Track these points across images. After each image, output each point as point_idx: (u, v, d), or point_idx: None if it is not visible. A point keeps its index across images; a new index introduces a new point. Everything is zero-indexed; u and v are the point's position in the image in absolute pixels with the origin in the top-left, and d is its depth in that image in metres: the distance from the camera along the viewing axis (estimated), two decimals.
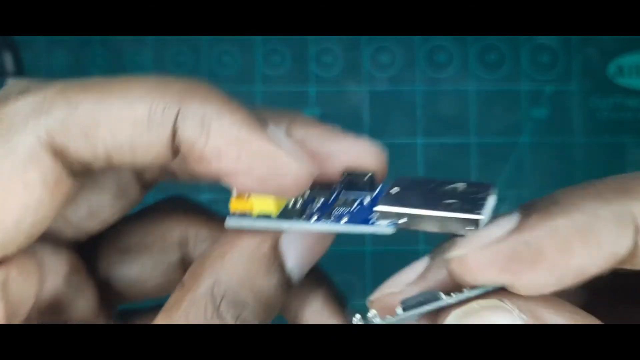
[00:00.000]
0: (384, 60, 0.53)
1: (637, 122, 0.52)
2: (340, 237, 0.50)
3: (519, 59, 0.52)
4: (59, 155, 0.17)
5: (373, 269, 0.51)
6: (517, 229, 0.14)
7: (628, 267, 0.14)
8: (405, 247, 0.51)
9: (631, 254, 0.14)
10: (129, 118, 0.16)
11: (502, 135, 0.52)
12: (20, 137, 0.16)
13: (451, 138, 0.52)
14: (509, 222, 0.14)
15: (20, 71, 0.51)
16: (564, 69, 0.53)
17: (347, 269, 0.51)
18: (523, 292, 0.14)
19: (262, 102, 0.52)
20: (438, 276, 0.16)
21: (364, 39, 0.53)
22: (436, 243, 0.49)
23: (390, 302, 0.16)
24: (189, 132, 0.16)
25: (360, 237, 0.51)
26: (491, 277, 0.14)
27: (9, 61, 0.50)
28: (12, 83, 0.18)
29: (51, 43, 0.52)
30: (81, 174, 0.17)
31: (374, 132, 0.52)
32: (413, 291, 0.16)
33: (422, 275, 0.16)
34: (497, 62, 0.52)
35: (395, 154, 0.52)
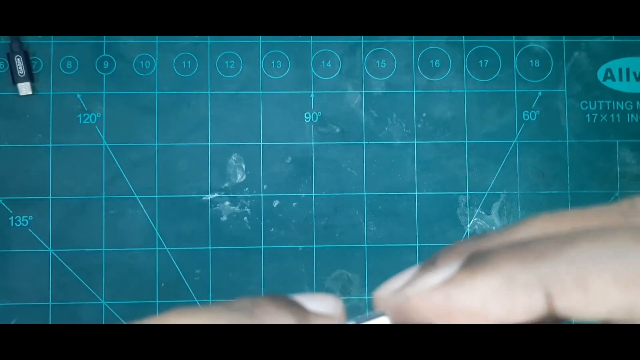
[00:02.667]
0: (381, 65, 0.53)
1: (625, 123, 0.53)
2: (340, 235, 0.51)
3: (512, 63, 0.53)
4: None
5: (370, 264, 0.52)
6: (450, 281, 0.15)
7: (552, 321, 0.15)
8: (402, 244, 0.52)
9: (549, 314, 0.14)
10: None
11: (495, 137, 0.53)
12: None
13: (446, 139, 0.53)
14: (448, 270, 0.15)
15: (30, 74, 0.51)
16: (555, 72, 0.53)
17: (346, 264, 0.52)
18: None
19: (264, 105, 0.53)
20: (424, 284, 0.16)
21: (362, 44, 0.53)
22: (431, 241, 0.50)
23: (384, 304, 0.17)
24: None
25: (360, 234, 0.52)
26: (424, 319, 0.15)
27: (19, 64, 0.51)
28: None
29: (59, 47, 0.52)
30: None
31: (371, 133, 0.53)
32: (397, 298, 0.17)
33: (408, 283, 0.17)
34: (490, 65, 0.53)
35: (393, 155, 0.53)
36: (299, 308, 0.17)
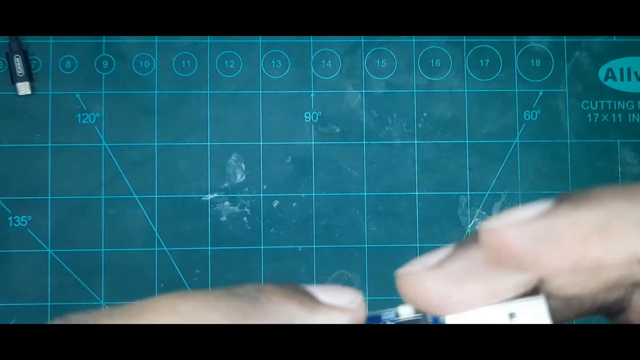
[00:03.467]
0: (381, 64, 0.53)
1: (626, 123, 0.53)
2: (340, 235, 0.51)
3: (513, 63, 0.53)
4: None
5: (370, 264, 0.52)
6: (546, 214, 0.15)
7: None
8: (402, 244, 0.52)
9: None
10: None
11: (496, 137, 0.53)
12: None
13: (446, 139, 0.53)
14: (540, 206, 0.15)
15: (29, 74, 0.51)
16: (556, 72, 0.53)
17: (346, 264, 0.52)
18: (541, 272, 0.15)
19: (263, 105, 0.52)
20: (455, 266, 0.16)
21: (362, 43, 0.53)
22: (431, 241, 0.50)
23: (409, 282, 0.16)
24: None
25: (360, 234, 0.52)
26: (515, 252, 0.15)
27: (18, 64, 0.51)
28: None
29: (59, 46, 0.52)
30: None
31: (372, 133, 0.53)
32: (429, 275, 0.16)
33: (441, 262, 0.16)
34: (491, 65, 0.53)
35: (393, 155, 0.53)
36: (309, 299, 0.16)
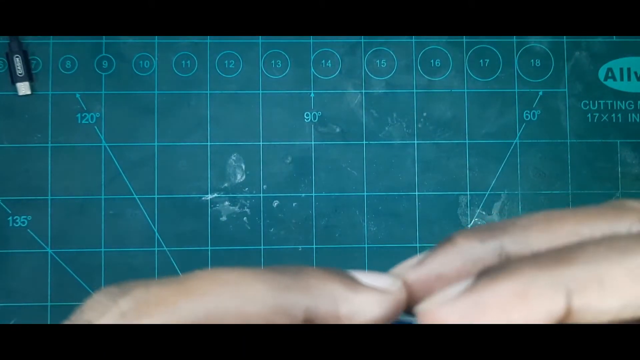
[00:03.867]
0: (381, 64, 0.53)
1: (626, 123, 0.53)
2: (340, 235, 0.51)
3: (513, 63, 0.53)
4: None
5: (370, 264, 0.52)
6: (469, 290, 0.16)
7: (568, 322, 0.16)
8: (402, 244, 0.52)
9: (565, 315, 0.16)
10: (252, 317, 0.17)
11: (496, 137, 0.53)
12: None
13: (446, 139, 0.53)
14: (465, 283, 0.17)
15: (29, 74, 0.51)
16: (555, 72, 0.53)
17: (346, 264, 0.52)
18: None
19: (263, 105, 0.52)
20: (436, 264, 0.18)
21: (362, 43, 0.53)
22: (431, 241, 0.50)
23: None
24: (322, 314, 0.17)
25: (360, 234, 0.52)
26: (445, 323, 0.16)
27: (18, 64, 0.51)
28: (95, 297, 0.18)
29: (59, 46, 0.52)
30: None
31: (372, 133, 0.53)
32: (412, 275, 0.18)
33: (422, 261, 0.18)
34: (491, 65, 0.53)
35: (393, 155, 0.53)
36: (350, 280, 0.17)
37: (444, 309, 0.16)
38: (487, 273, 0.16)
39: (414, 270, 0.18)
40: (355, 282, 0.17)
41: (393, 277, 0.18)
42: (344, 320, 0.16)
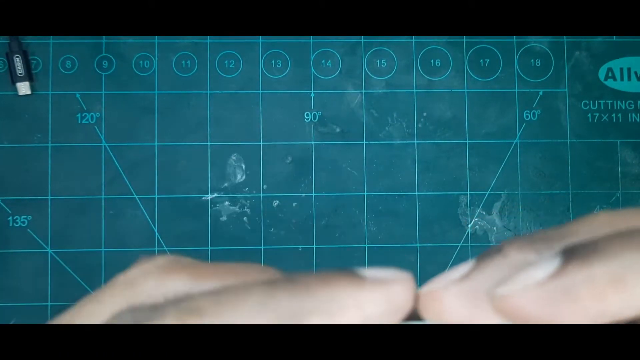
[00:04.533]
0: (381, 64, 0.53)
1: (626, 123, 0.53)
2: (340, 235, 0.51)
3: (513, 63, 0.53)
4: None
5: (370, 264, 0.52)
6: (558, 273, 0.15)
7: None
8: (402, 244, 0.52)
9: None
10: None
11: (496, 137, 0.53)
12: (149, 292, 0.17)
13: (446, 139, 0.53)
14: (550, 265, 0.15)
15: (29, 74, 0.51)
16: (556, 72, 0.53)
17: (346, 264, 0.52)
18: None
19: (263, 105, 0.52)
20: (480, 279, 0.16)
21: (362, 43, 0.53)
22: (431, 241, 0.50)
23: (434, 297, 0.16)
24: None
25: (360, 234, 0.52)
26: (530, 317, 0.15)
27: (18, 64, 0.51)
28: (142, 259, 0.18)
29: (59, 46, 0.52)
30: None
31: (372, 133, 0.53)
32: (455, 290, 0.16)
33: (466, 276, 0.16)
34: (491, 65, 0.53)
35: (393, 155, 0.53)
36: (353, 275, 0.16)
37: (528, 296, 0.14)
38: (575, 254, 0.15)
39: (458, 284, 0.16)
40: (358, 277, 0.16)
41: (400, 270, 0.17)
42: (355, 318, 0.16)
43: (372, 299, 0.16)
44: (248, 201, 0.52)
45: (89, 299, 0.17)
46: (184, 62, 0.52)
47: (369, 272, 0.16)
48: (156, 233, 0.51)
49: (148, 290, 0.17)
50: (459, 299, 0.16)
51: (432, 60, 0.53)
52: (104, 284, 0.18)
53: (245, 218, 0.52)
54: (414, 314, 0.17)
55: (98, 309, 0.17)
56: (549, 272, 0.15)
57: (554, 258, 0.15)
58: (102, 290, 0.18)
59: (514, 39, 0.53)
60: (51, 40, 0.52)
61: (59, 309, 0.50)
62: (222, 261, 0.18)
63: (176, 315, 0.15)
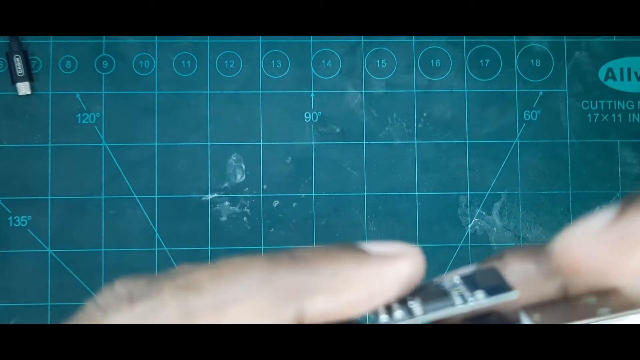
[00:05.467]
0: (381, 64, 0.53)
1: (626, 123, 0.53)
2: (340, 235, 0.51)
3: (513, 63, 0.53)
4: None
5: None
6: (616, 220, 0.14)
7: None
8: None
9: None
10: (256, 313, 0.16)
11: (496, 137, 0.53)
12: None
13: (446, 139, 0.53)
14: (607, 215, 0.15)
15: (29, 74, 0.51)
16: (556, 72, 0.53)
17: None
18: (625, 280, 0.15)
19: (263, 105, 0.52)
20: (625, 229, 0.15)
21: (362, 43, 0.53)
22: (431, 241, 0.50)
23: (573, 250, 0.15)
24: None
25: (360, 234, 0.52)
26: (591, 267, 0.14)
27: (18, 64, 0.51)
28: (107, 290, 0.17)
29: (59, 46, 0.52)
30: None
31: (372, 133, 0.53)
32: (595, 241, 0.15)
33: (606, 228, 0.15)
34: (491, 65, 0.53)
35: (393, 155, 0.53)
36: (360, 253, 0.16)
37: (586, 246, 0.14)
38: (632, 201, 0.14)
39: (598, 238, 0.15)
40: (363, 253, 0.16)
41: (407, 244, 0.16)
42: (361, 294, 0.15)
43: (379, 274, 0.15)
44: (248, 201, 0.52)
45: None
46: (184, 62, 0.52)
47: (374, 246, 0.16)
48: (156, 233, 0.51)
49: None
50: (602, 250, 0.15)
51: (432, 60, 0.53)
52: (104, 284, 0.18)
53: (245, 218, 0.52)
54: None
55: None
56: (605, 222, 0.14)
57: (612, 208, 0.15)
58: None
59: (514, 39, 0.53)
60: (51, 40, 0.52)
61: (59, 309, 0.50)
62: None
63: (173, 291, 0.15)
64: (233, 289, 0.15)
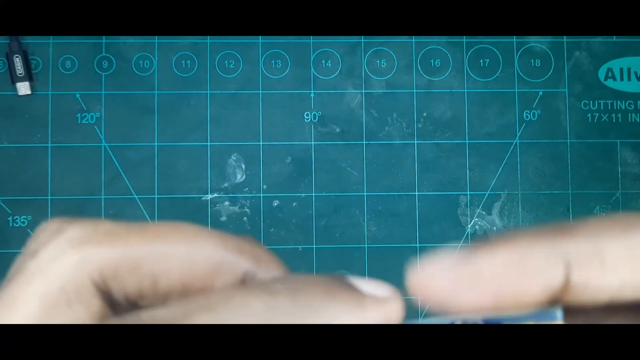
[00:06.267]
0: (381, 64, 0.53)
1: (626, 123, 0.53)
2: (340, 235, 0.51)
3: (513, 63, 0.53)
4: (107, 295, 0.17)
5: (370, 264, 0.52)
6: (467, 255, 0.15)
7: (564, 302, 0.15)
8: (402, 244, 0.52)
9: (563, 289, 0.15)
10: (194, 265, 0.17)
11: (496, 137, 0.53)
12: (68, 275, 0.16)
13: (446, 139, 0.53)
14: (461, 252, 0.16)
15: (29, 74, 0.51)
16: (555, 72, 0.53)
17: (346, 264, 0.52)
18: (462, 310, 0.16)
19: (263, 105, 0.52)
20: (467, 269, 0.16)
21: (362, 43, 0.53)
22: (431, 241, 0.50)
23: (422, 278, 0.16)
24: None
25: (360, 234, 0.52)
26: (436, 291, 0.16)
27: (18, 64, 0.51)
28: (43, 226, 0.17)
29: (59, 46, 0.52)
30: (123, 309, 0.17)
31: (372, 133, 0.53)
32: (442, 274, 0.16)
33: (454, 264, 0.16)
34: (491, 65, 0.53)
35: (393, 155, 0.53)
36: (354, 292, 0.16)
37: (436, 278, 0.15)
38: (483, 242, 0.16)
39: (445, 272, 0.16)
40: (359, 294, 0.16)
41: (387, 285, 0.17)
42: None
43: (372, 318, 0.16)
44: (248, 201, 0.52)
45: (1, 298, 0.17)
46: (184, 62, 0.52)
47: (367, 286, 0.17)
48: None
49: (66, 275, 0.17)
50: (446, 283, 0.16)
51: (432, 60, 0.53)
52: (11, 268, 0.18)
53: (245, 218, 0.52)
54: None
55: (13, 307, 0.16)
56: (455, 257, 0.16)
57: (465, 250, 0.16)
58: (13, 283, 0.17)
59: (514, 39, 0.53)
60: (51, 40, 0.52)
61: None
62: (149, 222, 0.17)
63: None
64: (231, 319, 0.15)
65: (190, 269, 0.17)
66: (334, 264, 0.51)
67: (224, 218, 0.52)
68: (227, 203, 0.52)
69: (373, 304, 0.16)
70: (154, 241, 0.17)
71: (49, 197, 0.51)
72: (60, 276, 0.17)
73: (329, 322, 0.15)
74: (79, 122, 0.52)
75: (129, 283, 0.17)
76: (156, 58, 0.52)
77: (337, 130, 0.52)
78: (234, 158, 0.52)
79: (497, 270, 0.15)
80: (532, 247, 0.15)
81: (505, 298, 0.15)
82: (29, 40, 0.52)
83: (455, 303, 0.15)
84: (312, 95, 0.53)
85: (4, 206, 0.51)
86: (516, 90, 0.53)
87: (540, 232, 0.15)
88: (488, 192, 0.52)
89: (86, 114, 0.52)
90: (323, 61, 0.53)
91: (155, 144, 0.52)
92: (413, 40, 0.53)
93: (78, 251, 0.17)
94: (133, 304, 0.17)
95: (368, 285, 0.17)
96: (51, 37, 0.52)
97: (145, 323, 0.15)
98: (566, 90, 0.53)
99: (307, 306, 0.15)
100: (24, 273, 0.17)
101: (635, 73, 0.53)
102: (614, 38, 0.53)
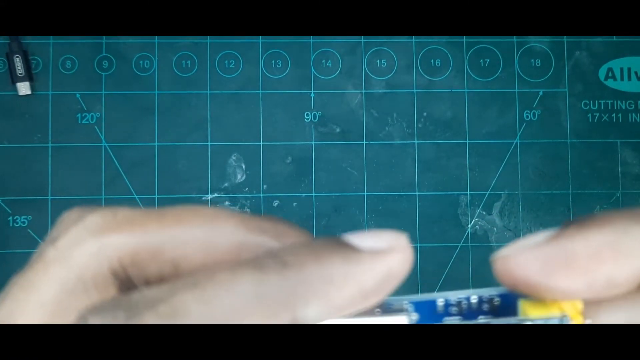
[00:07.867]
0: (381, 64, 0.53)
1: (627, 123, 0.53)
2: (340, 234, 0.51)
3: (513, 63, 0.53)
4: (125, 282, 0.17)
5: None
6: (556, 237, 0.15)
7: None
8: None
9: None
10: (211, 247, 0.17)
11: (496, 137, 0.53)
12: (87, 263, 0.16)
13: (446, 139, 0.53)
14: (549, 232, 0.15)
15: (29, 74, 0.51)
16: (556, 72, 0.53)
17: None
18: (555, 296, 0.15)
19: (264, 105, 0.52)
20: (558, 250, 0.15)
21: (362, 43, 0.53)
22: (431, 241, 0.50)
23: (510, 262, 0.16)
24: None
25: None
26: (528, 276, 0.15)
27: (18, 64, 0.51)
28: (65, 215, 0.18)
29: (59, 46, 0.52)
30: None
31: (372, 133, 0.53)
32: (530, 256, 0.15)
33: (543, 245, 0.16)
34: (491, 65, 0.53)
35: (393, 155, 0.53)
36: (349, 250, 0.15)
37: (526, 255, 0.15)
38: (574, 222, 0.15)
39: (534, 253, 0.16)
40: (354, 252, 0.15)
41: (395, 233, 0.16)
42: (353, 294, 0.15)
43: (371, 274, 0.15)
44: (248, 201, 0.52)
45: (20, 283, 0.17)
46: (184, 62, 0.52)
47: (362, 240, 0.16)
48: None
49: (85, 262, 0.17)
50: (535, 265, 0.15)
51: (432, 60, 0.53)
52: (33, 255, 0.18)
53: None
54: None
55: (31, 291, 0.16)
56: (546, 237, 0.15)
57: (554, 229, 0.15)
58: (32, 269, 0.17)
59: (514, 39, 0.53)
60: (51, 40, 0.52)
61: None
62: (167, 207, 0.17)
63: (155, 318, 0.14)
64: (223, 310, 0.14)
65: (212, 251, 0.17)
66: None
67: None
68: (227, 203, 0.52)
69: (371, 260, 0.15)
70: (174, 226, 0.17)
71: (49, 197, 0.51)
72: (79, 263, 0.17)
73: (323, 292, 0.15)
74: (79, 122, 0.52)
75: (150, 269, 0.17)
76: (156, 58, 0.52)
77: (337, 130, 0.52)
78: (234, 158, 0.52)
79: (592, 252, 0.15)
80: (628, 229, 0.15)
81: (598, 282, 0.15)
82: (29, 40, 0.52)
83: (548, 288, 0.15)
84: (312, 95, 0.53)
85: (4, 206, 0.51)
86: (516, 90, 0.53)
87: (636, 214, 0.15)
88: (488, 192, 0.52)
89: (86, 114, 0.52)
90: (323, 61, 0.53)
91: (156, 144, 0.52)
92: (413, 40, 0.53)
93: (97, 239, 0.17)
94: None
95: (366, 240, 0.16)
96: (51, 37, 0.52)
97: (137, 303, 0.14)
98: (566, 90, 0.53)
99: (296, 278, 0.15)
100: (43, 259, 0.17)
101: (636, 73, 0.53)
102: (614, 38, 0.53)
